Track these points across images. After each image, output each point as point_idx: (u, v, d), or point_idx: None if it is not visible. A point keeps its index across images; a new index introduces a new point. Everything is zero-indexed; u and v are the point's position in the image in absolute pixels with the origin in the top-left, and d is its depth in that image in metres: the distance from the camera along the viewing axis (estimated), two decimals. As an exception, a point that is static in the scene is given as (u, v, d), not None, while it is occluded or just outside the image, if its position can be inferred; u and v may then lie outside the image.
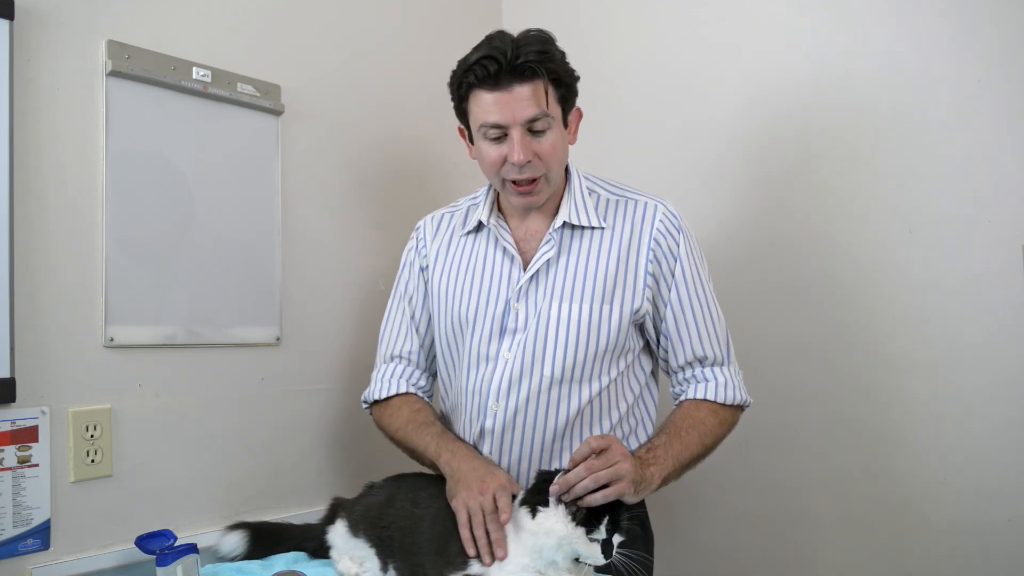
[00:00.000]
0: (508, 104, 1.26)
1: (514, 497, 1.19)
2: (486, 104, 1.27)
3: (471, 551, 1.14)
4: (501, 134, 1.28)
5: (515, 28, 1.38)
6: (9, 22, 1.27)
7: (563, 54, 1.32)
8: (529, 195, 1.33)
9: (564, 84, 1.30)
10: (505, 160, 1.29)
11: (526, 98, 1.25)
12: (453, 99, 1.36)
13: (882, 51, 1.61)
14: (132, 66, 1.42)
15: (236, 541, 1.39)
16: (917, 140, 1.57)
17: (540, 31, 1.30)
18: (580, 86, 1.37)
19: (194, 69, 1.51)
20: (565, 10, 2.11)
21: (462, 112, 1.36)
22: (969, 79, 1.51)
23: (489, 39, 1.29)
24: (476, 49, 1.29)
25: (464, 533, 1.16)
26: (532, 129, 1.27)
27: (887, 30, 1.60)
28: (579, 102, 1.38)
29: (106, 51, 1.39)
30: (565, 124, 1.34)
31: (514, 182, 1.32)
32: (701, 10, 1.87)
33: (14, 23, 1.28)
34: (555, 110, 1.29)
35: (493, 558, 1.13)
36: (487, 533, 1.14)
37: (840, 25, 1.66)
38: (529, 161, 1.28)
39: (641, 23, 1.98)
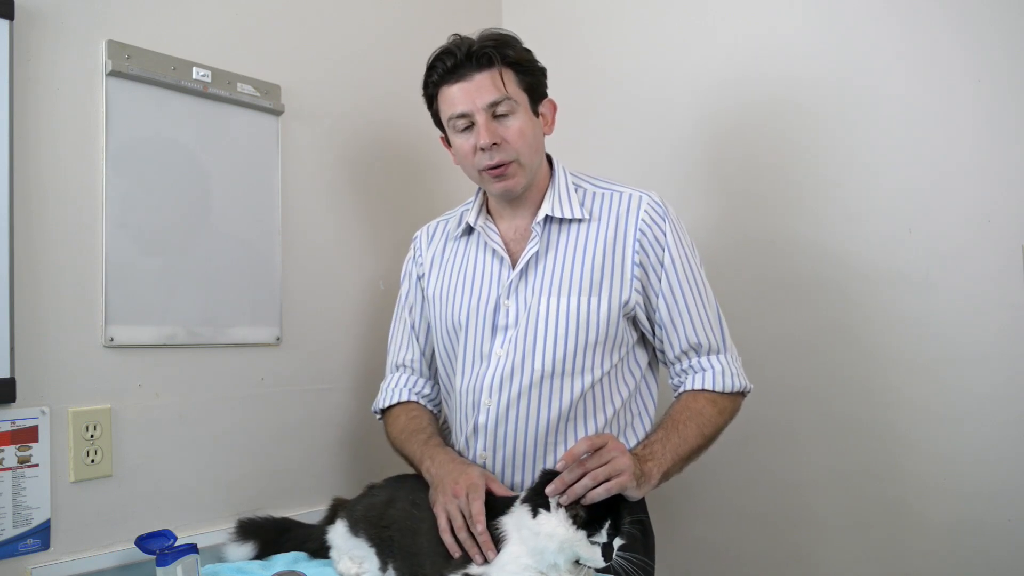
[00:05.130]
0: (469, 92, 1.31)
1: (489, 493, 1.21)
2: (451, 97, 1.33)
3: (456, 553, 1.16)
4: (468, 123, 1.33)
5: (514, 28, 1.39)
6: (9, 22, 1.27)
7: (524, 48, 1.36)
8: (503, 179, 1.34)
9: (526, 71, 1.34)
10: (476, 149, 1.32)
11: (486, 84, 1.30)
12: (427, 107, 1.41)
13: (881, 50, 1.61)
14: (132, 66, 1.42)
15: (245, 551, 1.37)
16: (917, 139, 1.56)
17: (499, 30, 1.35)
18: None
19: (194, 69, 1.51)
20: (565, 10, 2.11)
21: (437, 117, 1.41)
22: (970, 78, 1.51)
23: (449, 43, 1.34)
24: (438, 53, 1.35)
25: (446, 538, 1.18)
26: (496, 114, 1.31)
27: (886, 29, 1.60)
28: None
29: (106, 51, 1.39)
30: (536, 113, 1.37)
31: (489, 169, 1.34)
32: (704, 10, 1.87)
33: (14, 23, 1.28)
34: (519, 95, 1.33)
35: (485, 558, 1.14)
36: (470, 535, 1.16)
37: (839, 23, 1.66)
38: (496, 144, 1.31)
39: (641, 22, 1.97)
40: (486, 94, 1.30)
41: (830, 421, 1.67)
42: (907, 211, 1.58)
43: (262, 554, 1.38)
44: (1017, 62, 1.46)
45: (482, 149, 1.31)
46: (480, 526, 1.15)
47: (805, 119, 1.71)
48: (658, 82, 1.94)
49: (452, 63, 1.31)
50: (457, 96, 1.32)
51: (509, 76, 1.32)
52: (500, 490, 1.24)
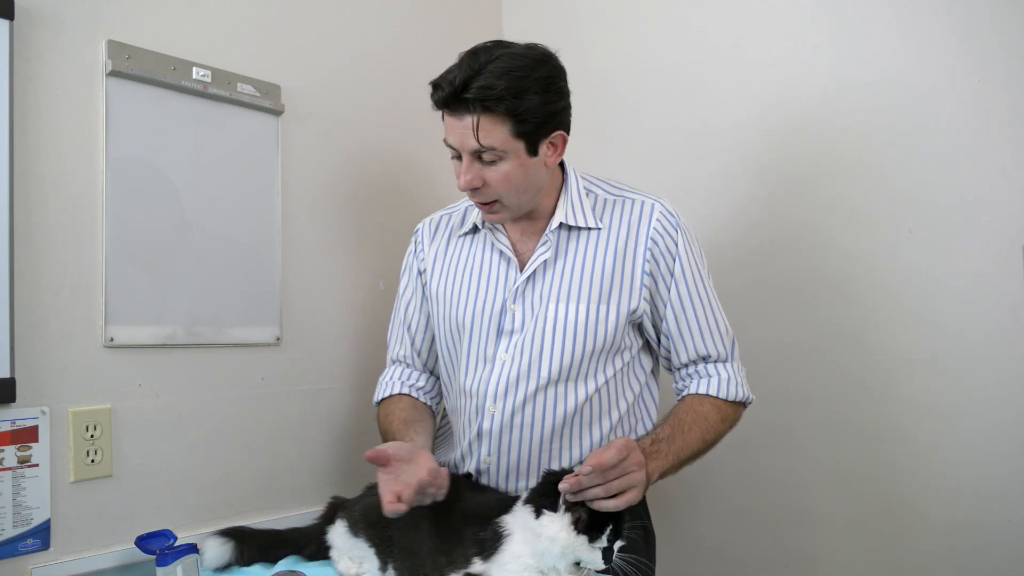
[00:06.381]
0: (457, 130, 1.24)
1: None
2: (446, 123, 1.27)
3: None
4: (456, 154, 1.27)
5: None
6: (9, 22, 1.27)
7: (541, 81, 1.22)
8: (489, 212, 1.33)
9: (522, 121, 1.21)
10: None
11: (469, 129, 1.21)
12: None
13: (882, 52, 1.61)
14: (132, 66, 1.42)
15: (219, 551, 1.30)
16: (917, 140, 1.57)
17: (523, 55, 1.22)
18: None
19: (194, 69, 1.51)
20: (565, 10, 2.11)
21: None
22: (970, 79, 1.51)
23: (464, 57, 1.24)
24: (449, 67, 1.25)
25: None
26: (482, 159, 1.24)
27: (888, 31, 1.60)
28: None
29: (106, 51, 1.39)
30: (535, 153, 1.26)
31: (474, 200, 1.33)
32: (702, 11, 1.87)
33: (14, 23, 1.28)
34: (508, 144, 1.22)
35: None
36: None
37: (841, 26, 1.66)
38: (477, 187, 1.27)
39: (643, 24, 1.98)
40: (469, 140, 1.22)
41: (830, 421, 1.67)
42: (907, 211, 1.58)
43: (240, 556, 1.32)
44: (1017, 62, 1.46)
45: (460, 188, 1.29)
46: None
47: (804, 119, 1.71)
48: (659, 83, 1.94)
49: (441, 96, 1.22)
50: (448, 128, 1.26)
51: (499, 127, 1.20)
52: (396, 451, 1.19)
